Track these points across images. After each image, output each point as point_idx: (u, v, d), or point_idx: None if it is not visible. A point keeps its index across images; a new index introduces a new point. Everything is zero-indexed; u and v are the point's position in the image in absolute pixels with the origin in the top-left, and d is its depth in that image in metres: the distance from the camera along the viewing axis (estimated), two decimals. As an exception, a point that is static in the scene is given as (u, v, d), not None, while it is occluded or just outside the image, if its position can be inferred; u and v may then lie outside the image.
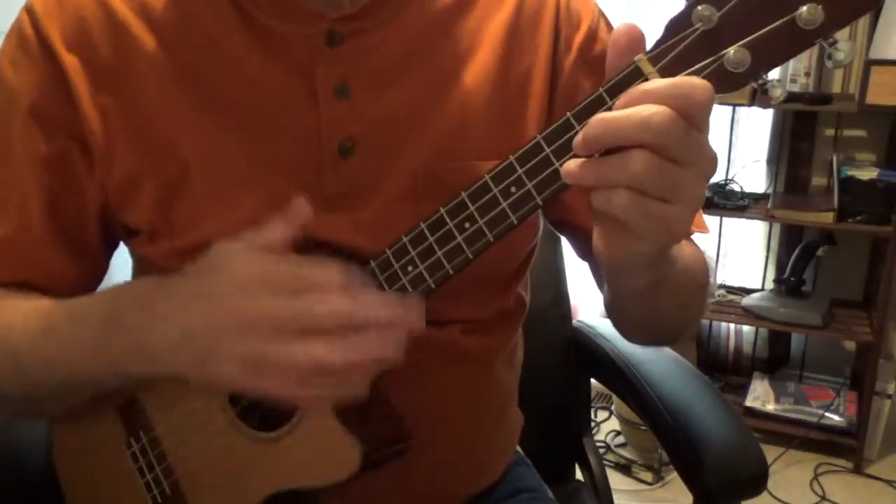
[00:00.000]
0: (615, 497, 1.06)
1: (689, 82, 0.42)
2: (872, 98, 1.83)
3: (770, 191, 2.21)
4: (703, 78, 0.43)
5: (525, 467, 0.87)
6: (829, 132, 2.14)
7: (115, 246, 0.71)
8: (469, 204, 0.50)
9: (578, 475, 1.11)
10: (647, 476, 2.09)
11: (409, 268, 0.53)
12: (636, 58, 0.45)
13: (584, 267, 0.75)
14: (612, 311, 0.68)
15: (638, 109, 0.42)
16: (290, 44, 0.61)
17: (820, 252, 2.15)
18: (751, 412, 2.12)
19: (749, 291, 2.26)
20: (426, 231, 0.52)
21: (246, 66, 0.62)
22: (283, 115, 0.62)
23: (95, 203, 0.65)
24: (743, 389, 2.22)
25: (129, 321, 0.54)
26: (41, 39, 0.61)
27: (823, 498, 1.97)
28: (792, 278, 2.12)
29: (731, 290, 2.29)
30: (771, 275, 2.30)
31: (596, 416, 2.33)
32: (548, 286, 1.08)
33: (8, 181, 0.64)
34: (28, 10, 0.62)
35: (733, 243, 2.35)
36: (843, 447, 2.09)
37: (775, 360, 2.35)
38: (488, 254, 0.51)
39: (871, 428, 2.06)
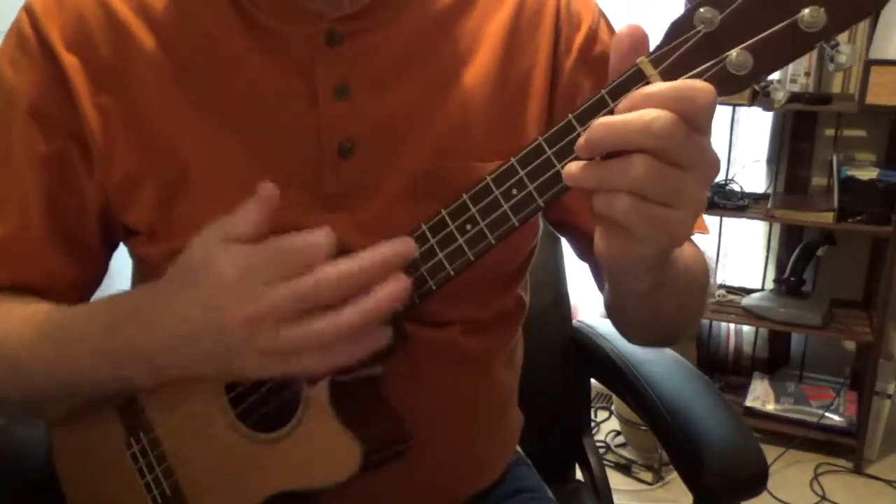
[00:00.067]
0: (615, 497, 1.06)
1: (692, 85, 0.42)
2: (872, 98, 1.83)
3: (770, 191, 2.21)
4: (705, 80, 0.43)
5: (525, 467, 0.87)
6: (829, 132, 2.14)
7: (115, 246, 0.71)
8: (470, 206, 0.50)
9: (578, 475, 1.11)
10: (647, 476, 2.09)
11: (411, 269, 0.53)
12: (638, 60, 0.45)
13: (584, 267, 0.75)
14: (613, 312, 0.68)
15: (640, 114, 0.42)
16: (290, 44, 0.61)
17: (820, 252, 2.15)
18: (751, 412, 2.12)
19: (749, 291, 2.26)
20: (427, 233, 0.52)
21: (246, 66, 0.62)
22: (282, 115, 0.62)
23: (95, 203, 0.65)
24: (743, 389, 2.22)
25: (130, 331, 0.54)
26: (41, 39, 0.61)
27: (823, 498, 1.97)
28: (792, 278, 2.12)
29: (731, 290, 2.29)
30: (771, 275, 2.30)
31: (596, 416, 2.33)
32: (548, 286, 1.08)
33: (7, 181, 0.64)
34: (28, 9, 0.62)
35: (733, 243, 2.35)
36: (843, 447, 2.09)
37: (775, 360, 2.35)
38: (489, 255, 0.51)
39: (871, 428, 2.06)
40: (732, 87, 0.44)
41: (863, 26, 1.89)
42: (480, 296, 0.69)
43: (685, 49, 0.44)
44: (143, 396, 0.65)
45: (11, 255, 0.65)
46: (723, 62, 0.44)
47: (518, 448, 0.87)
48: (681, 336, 0.71)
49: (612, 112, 0.45)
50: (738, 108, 2.18)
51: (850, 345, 2.24)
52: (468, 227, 0.51)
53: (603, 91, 0.46)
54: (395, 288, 0.48)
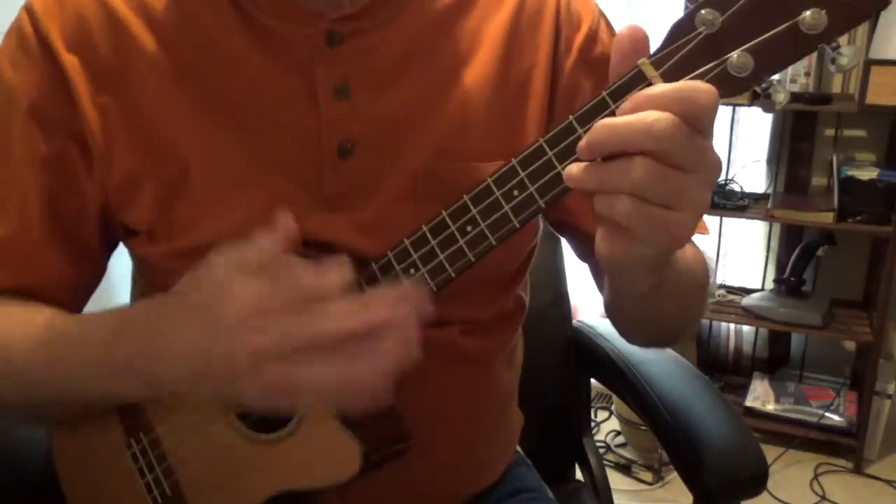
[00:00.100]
0: (615, 497, 1.06)
1: (695, 87, 0.42)
2: (872, 98, 1.83)
3: (770, 191, 2.21)
4: (706, 82, 0.43)
5: (525, 467, 0.87)
6: (829, 132, 2.14)
7: (115, 246, 0.71)
8: (471, 207, 0.50)
9: (578, 475, 1.11)
10: (647, 476, 2.09)
11: (412, 270, 0.53)
12: (639, 61, 0.45)
13: (584, 267, 0.75)
14: (613, 312, 0.68)
15: (641, 116, 0.42)
16: (290, 44, 0.61)
17: (820, 252, 2.15)
18: (751, 412, 2.12)
19: (749, 291, 2.26)
20: (428, 234, 0.52)
21: (246, 66, 0.62)
22: (283, 115, 0.62)
23: (95, 203, 0.65)
24: (743, 389, 2.22)
25: (132, 346, 0.54)
26: (41, 39, 0.61)
27: (823, 498, 1.97)
28: (792, 278, 2.12)
29: (731, 290, 2.29)
30: (771, 275, 2.30)
31: (596, 416, 2.33)
32: (548, 286, 1.08)
33: (7, 181, 0.64)
34: (28, 9, 0.62)
35: (733, 243, 2.35)
36: (843, 447, 2.09)
37: (775, 360, 2.35)
38: (489, 256, 0.51)
39: (871, 428, 2.06)
40: (733, 88, 0.44)
41: (863, 26, 1.89)
42: (481, 296, 0.69)
43: (686, 51, 0.44)
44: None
45: (11, 256, 0.64)
46: (724, 64, 0.44)
47: (518, 448, 0.87)
48: (681, 336, 0.71)
49: (613, 113, 0.45)
50: (738, 108, 2.18)
51: (850, 345, 2.24)
52: (469, 228, 0.51)
53: (604, 92, 0.46)
54: (403, 349, 0.47)
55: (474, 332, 0.70)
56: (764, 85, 0.45)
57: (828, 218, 1.96)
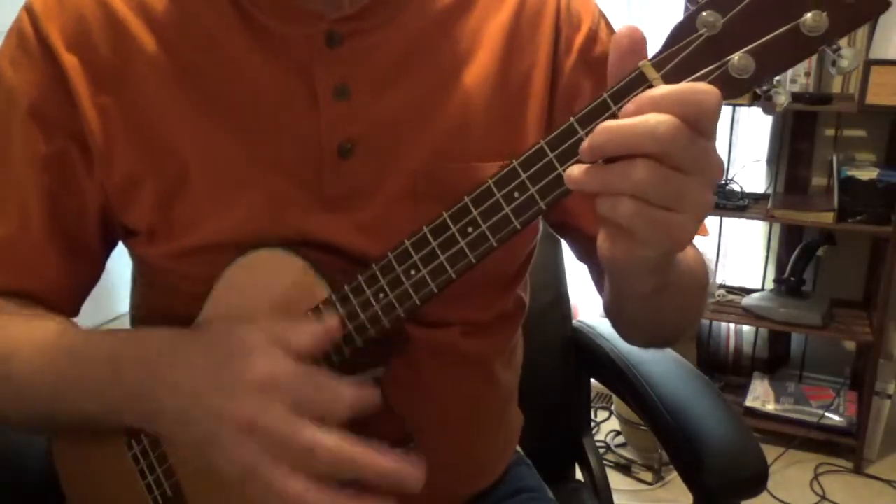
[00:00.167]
0: (615, 497, 1.06)
1: (699, 89, 0.42)
2: (872, 98, 1.83)
3: (770, 191, 2.21)
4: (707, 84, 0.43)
5: (525, 467, 0.87)
6: (829, 132, 2.14)
7: (114, 246, 0.71)
8: (472, 208, 0.50)
9: (578, 475, 1.11)
10: (647, 476, 2.09)
11: (412, 272, 0.53)
12: (640, 63, 0.45)
13: (584, 267, 0.75)
14: (613, 313, 0.68)
15: (644, 119, 0.42)
16: (290, 44, 0.61)
17: (820, 252, 2.15)
18: (751, 412, 2.12)
19: (749, 291, 2.26)
20: (429, 235, 0.52)
21: (246, 67, 0.61)
22: (282, 115, 0.62)
23: (95, 203, 0.65)
24: (743, 389, 2.22)
25: (133, 381, 0.55)
26: (41, 39, 0.61)
27: (823, 498, 1.97)
28: (792, 278, 2.12)
29: (731, 290, 2.29)
30: (771, 275, 2.30)
31: (596, 416, 2.33)
32: (548, 286, 1.08)
33: (7, 181, 0.64)
34: (28, 9, 0.62)
35: (733, 243, 2.35)
36: (843, 447, 2.09)
37: (775, 360, 2.35)
38: (489, 257, 0.51)
39: (871, 428, 2.06)
40: (734, 90, 0.44)
41: (863, 27, 1.89)
42: (481, 297, 0.69)
43: (687, 52, 0.44)
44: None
45: (11, 256, 0.64)
46: (725, 66, 0.44)
47: (518, 448, 0.87)
48: (680, 337, 0.71)
49: (614, 115, 0.45)
50: (738, 109, 2.18)
51: (850, 345, 2.24)
52: (470, 229, 0.51)
53: (605, 94, 0.46)
54: None
55: (474, 332, 0.70)
56: (765, 87, 0.45)
57: (828, 218, 1.96)
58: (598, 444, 2.14)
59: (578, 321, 1.12)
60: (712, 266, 2.33)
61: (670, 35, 0.45)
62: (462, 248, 0.51)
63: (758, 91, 0.45)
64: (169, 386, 0.53)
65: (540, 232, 0.75)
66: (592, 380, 1.12)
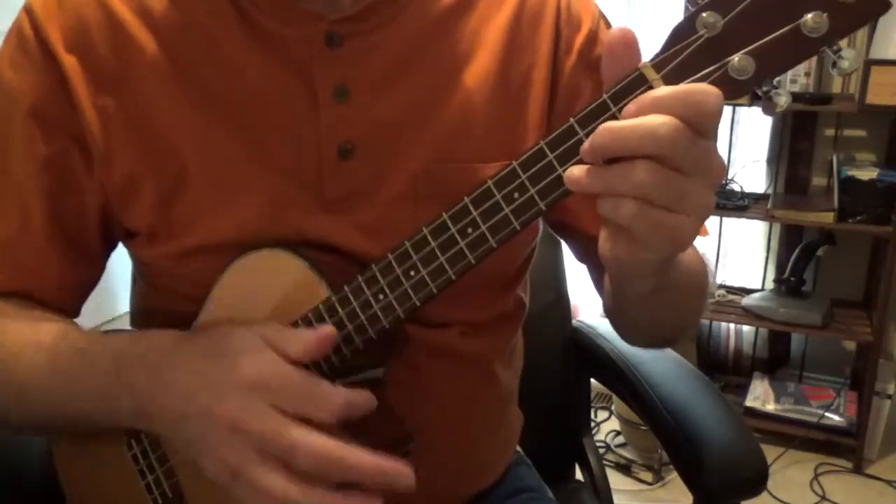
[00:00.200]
0: (615, 497, 1.06)
1: (700, 90, 0.42)
2: (872, 98, 1.83)
3: (770, 191, 2.21)
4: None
5: (525, 467, 0.87)
6: (829, 132, 2.14)
7: (114, 247, 0.71)
8: (472, 209, 0.50)
9: (578, 475, 1.11)
10: (647, 476, 2.09)
11: (412, 272, 0.53)
12: (640, 64, 0.45)
13: (584, 267, 0.75)
14: (613, 313, 0.68)
15: (645, 120, 0.42)
16: (290, 45, 0.61)
17: (820, 252, 2.15)
18: (751, 412, 2.12)
19: (749, 291, 2.26)
20: (428, 236, 0.52)
21: (246, 68, 0.61)
22: (282, 116, 0.62)
23: (95, 203, 0.65)
24: (743, 389, 2.22)
25: (134, 380, 0.56)
26: (41, 40, 0.61)
27: (823, 498, 1.97)
28: (792, 278, 2.12)
29: (731, 290, 2.29)
30: (771, 275, 2.30)
31: (596, 416, 2.33)
32: (548, 286, 1.08)
33: (7, 182, 0.64)
34: (27, 10, 0.62)
35: (733, 243, 2.35)
36: (843, 447, 2.09)
37: (775, 360, 2.35)
38: (489, 257, 0.51)
39: (871, 428, 2.06)
40: (734, 91, 0.44)
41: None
42: (480, 297, 0.69)
43: (687, 53, 0.44)
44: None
45: (11, 256, 0.65)
46: (725, 67, 0.44)
47: (518, 448, 0.87)
48: (680, 337, 0.71)
49: (614, 116, 0.45)
50: (738, 109, 2.18)
51: (850, 345, 2.24)
52: (469, 230, 0.51)
53: (605, 95, 0.45)
54: None
55: (474, 333, 0.70)
56: (765, 88, 0.45)
57: (828, 218, 1.96)
58: (598, 444, 2.14)
59: (578, 321, 1.12)
60: (712, 266, 2.33)
61: (670, 36, 0.45)
62: (462, 248, 0.51)
63: (758, 92, 0.45)
64: (167, 385, 0.53)
65: (540, 232, 0.75)
66: (592, 380, 1.12)
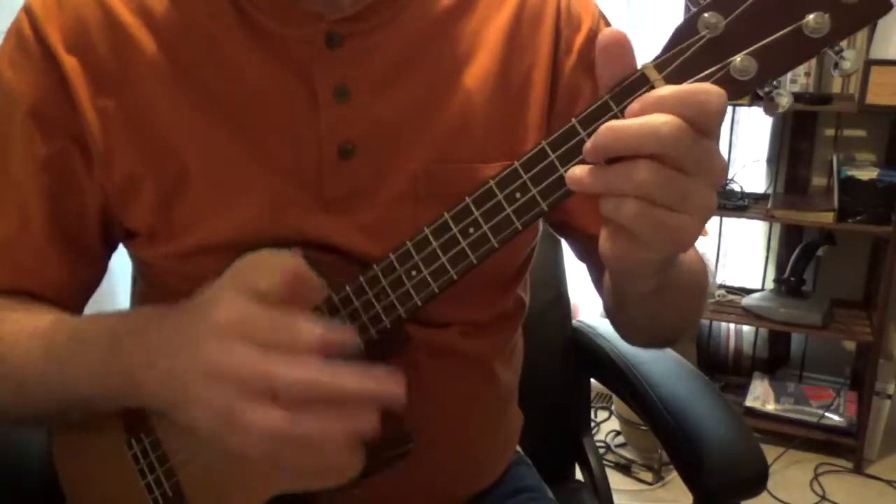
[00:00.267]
0: (615, 497, 1.06)
1: (704, 89, 0.42)
2: (872, 98, 1.83)
3: (770, 191, 2.21)
4: None
5: (525, 467, 0.87)
6: (829, 132, 2.14)
7: (115, 247, 0.71)
8: (473, 209, 0.50)
9: (578, 475, 1.12)
10: (647, 476, 2.09)
11: (413, 272, 0.53)
12: (642, 65, 0.45)
13: (584, 267, 0.75)
14: (613, 313, 0.68)
15: (648, 119, 0.42)
16: (290, 45, 0.61)
17: (820, 252, 2.15)
18: (751, 412, 2.12)
19: (749, 291, 2.26)
20: (430, 236, 0.52)
21: (246, 68, 0.61)
22: (283, 116, 0.62)
23: (95, 204, 0.65)
24: (743, 389, 2.22)
25: (127, 350, 0.54)
26: (40, 40, 0.61)
27: (823, 498, 1.98)
28: (792, 278, 2.12)
29: (731, 290, 2.29)
30: (771, 275, 2.30)
31: (596, 416, 2.34)
32: (548, 286, 1.08)
33: (7, 183, 0.64)
34: (27, 10, 0.62)
35: (733, 243, 2.35)
36: (843, 447, 2.09)
37: (775, 360, 2.35)
38: (490, 257, 0.51)
39: (871, 428, 2.06)
40: (736, 92, 0.44)
41: (863, 27, 1.89)
42: (481, 297, 0.69)
43: (689, 54, 0.44)
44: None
45: (11, 257, 0.64)
46: (727, 67, 0.44)
47: (518, 448, 0.87)
48: (680, 337, 0.71)
49: (615, 116, 0.45)
50: (738, 109, 2.18)
51: (850, 345, 2.24)
52: (471, 230, 0.51)
53: (606, 96, 0.45)
54: (360, 426, 0.46)
55: (474, 332, 0.70)
56: (767, 88, 0.45)
57: (828, 218, 1.96)
58: (598, 444, 2.14)
59: (578, 321, 1.12)
60: (712, 266, 2.33)
61: (672, 37, 0.45)
62: (463, 248, 0.51)
63: (759, 92, 0.45)
64: (153, 349, 0.52)
65: (540, 232, 0.75)
66: (592, 380, 1.12)
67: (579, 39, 0.66)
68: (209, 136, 0.61)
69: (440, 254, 0.52)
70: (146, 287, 0.71)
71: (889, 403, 2.07)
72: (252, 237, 0.60)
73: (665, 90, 0.42)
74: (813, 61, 1.98)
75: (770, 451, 2.04)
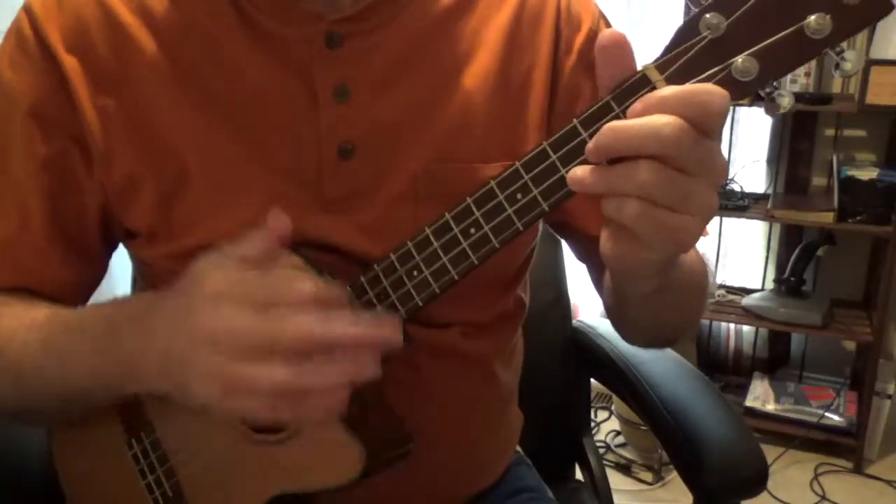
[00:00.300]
0: (615, 497, 1.06)
1: (706, 90, 0.42)
2: (872, 98, 1.83)
3: (770, 191, 2.21)
4: None
5: (525, 467, 0.87)
6: (829, 132, 2.14)
7: (115, 247, 0.71)
8: (474, 210, 0.50)
9: (578, 475, 1.11)
10: (647, 476, 2.09)
11: (415, 272, 0.53)
12: (643, 66, 0.45)
13: (584, 267, 0.75)
14: (614, 313, 0.68)
15: (650, 120, 0.42)
16: (290, 45, 0.61)
17: (820, 252, 2.15)
18: (751, 412, 2.12)
19: (749, 291, 2.26)
20: (431, 236, 0.52)
21: (246, 68, 0.61)
22: (283, 116, 0.62)
23: (95, 204, 0.65)
24: (743, 389, 2.22)
25: (126, 336, 0.54)
26: (40, 40, 0.61)
27: (823, 498, 1.98)
28: (792, 278, 2.12)
29: (731, 290, 2.29)
30: (771, 275, 2.30)
31: (596, 416, 2.33)
32: (548, 286, 1.08)
33: (7, 182, 0.64)
34: (27, 10, 0.62)
35: (733, 243, 2.35)
36: (843, 447, 2.09)
37: (775, 360, 2.35)
38: (491, 258, 0.51)
39: (871, 428, 2.06)
40: (737, 92, 0.44)
41: (863, 27, 1.89)
42: (481, 297, 0.69)
43: (691, 55, 0.44)
44: (144, 397, 0.65)
45: (12, 256, 0.64)
46: (728, 68, 0.44)
47: (518, 448, 0.87)
48: (680, 337, 0.71)
49: (617, 117, 0.45)
50: (738, 109, 2.18)
51: (850, 345, 2.24)
52: (472, 231, 0.51)
53: (608, 96, 0.45)
54: (361, 372, 0.46)
55: (475, 332, 0.70)
56: (768, 89, 0.45)
57: (828, 218, 1.96)
58: (598, 444, 2.14)
59: (578, 321, 1.12)
60: (712, 266, 2.33)
61: (673, 37, 0.45)
62: (464, 249, 0.51)
63: (761, 93, 0.45)
64: (152, 334, 0.52)
65: (540, 232, 0.75)
66: (592, 380, 1.12)
67: (579, 39, 0.66)
68: (209, 136, 0.61)
69: (441, 254, 0.52)
70: (146, 287, 0.71)
71: (889, 403, 2.07)
72: None
73: (667, 91, 0.42)
74: (813, 61, 1.97)
75: (770, 451, 2.04)
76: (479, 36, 0.65)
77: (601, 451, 2.16)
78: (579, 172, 0.45)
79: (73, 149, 0.63)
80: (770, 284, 2.28)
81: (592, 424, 2.21)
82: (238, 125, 0.61)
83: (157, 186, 0.62)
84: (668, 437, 0.87)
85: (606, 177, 0.44)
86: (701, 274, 0.66)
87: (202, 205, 0.62)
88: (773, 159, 2.20)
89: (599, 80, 0.46)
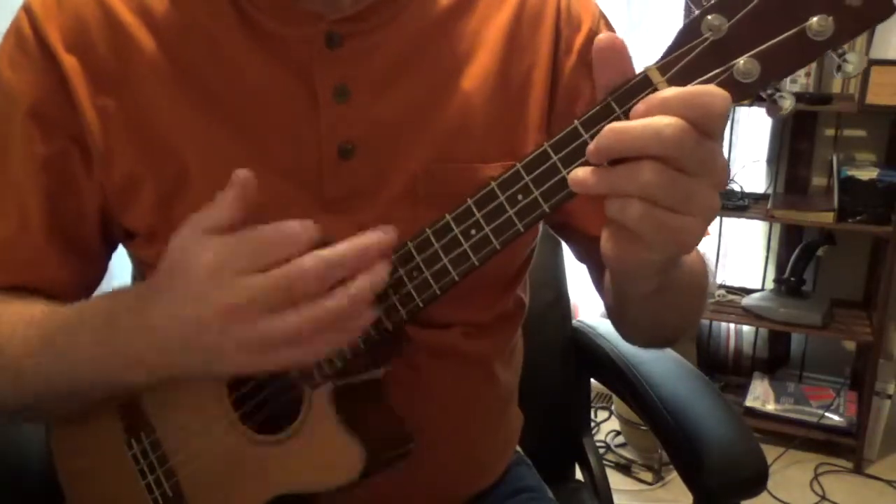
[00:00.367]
0: (615, 497, 1.06)
1: (708, 91, 0.42)
2: (872, 98, 1.83)
3: (770, 191, 2.21)
4: None
5: (525, 467, 0.87)
6: (829, 132, 2.14)
7: (115, 247, 0.71)
8: (475, 211, 0.50)
9: (578, 475, 1.11)
10: (647, 476, 2.09)
11: (415, 273, 0.53)
12: (645, 67, 0.45)
13: (584, 267, 0.75)
14: (614, 313, 0.68)
15: (651, 121, 0.42)
16: (290, 45, 0.61)
17: (820, 252, 2.15)
18: (751, 412, 2.12)
19: (749, 291, 2.26)
20: (432, 237, 0.52)
21: (246, 68, 0.61)
22: (283, 116, 0.62)
23: (95, 204, 0.65)
24: (743, 389, 2.22)
25: (124, 325, 0.54)
26: (40, 40, 0.61)
27: (823, 498, 1.98)
28: (792, 278, 2.12)
29: (731, 290, 2.29)
30: (771, 275, 2.30)
31: (596, 416, 2.33)
32: (548, 286, 1.08)
33: (7, 182, 0.64)
34: (27, 9, 0.62)
35: (733, 243, 2.35)
36: (843, 447, 2.09)
37: (775, 360, 2.35)
38: (492, 259, 0.51)
39: (871, 428, 2.06)
40: (739, 94, 0.44)
41: (863, 27, 1.89)
42: (481, 298, 0.69)
43: (692, 56, 0.44)
44: (144, 397, 0.65)
45: (11, 256, 0.64)
46: (730, 70, 0.44)
47: (518, 448, 0.87)
48: (680, 337, 0.71)
49: (618, 119, 0.45)
50: (738, 109, 2.18)
51: (850, 345, 2.24)
52: (473, 232, 0.50)
53: (609, 98, 0.45)
54: (373, 276, 0.48)
55: (475, 333, 0.70)
56: (770, 91, 0.45)
57: (828, 218, 1.96)
58: (598, 444, 2.13)
59: (578, 321, 1.12)
60: (712, 266, 2.33)
61: (675, 39, 0.45)
62: (465, 250, 0.51)
63: (762, 95, 0.45)
64: (153, 328, 0.52)
65: (540, 232, 0.75)
66: (592, 380, 1.12)
67: (579, 39, 0.66)
68: (209, 136, 0.61)
69: (442, 255, 0.52)
70: (146, 287, 0.71)
71: (889, 403, 2.07)
72: None
73: (669, 92, 0.42)
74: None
75: (770, 451, 2.04)
76: (479, 36, 0.65)
77: (601, 451, 2.17)
78: (580, 174, 0.45)
79: (72, 149, 0.63)
80: (770, 284, 2.28)
81: (592, 424, 2.21)
82: (238, 125, 0.61)
83: (157, 186, 0.62)
84: (668, 437, 0.87)
85: (608, 178, 0.44)
86: (701, 274, 0.66)
87: (202, 205, 0.61)
88: (773, 159, 2.20)
89: (597, 82, 0.46)
